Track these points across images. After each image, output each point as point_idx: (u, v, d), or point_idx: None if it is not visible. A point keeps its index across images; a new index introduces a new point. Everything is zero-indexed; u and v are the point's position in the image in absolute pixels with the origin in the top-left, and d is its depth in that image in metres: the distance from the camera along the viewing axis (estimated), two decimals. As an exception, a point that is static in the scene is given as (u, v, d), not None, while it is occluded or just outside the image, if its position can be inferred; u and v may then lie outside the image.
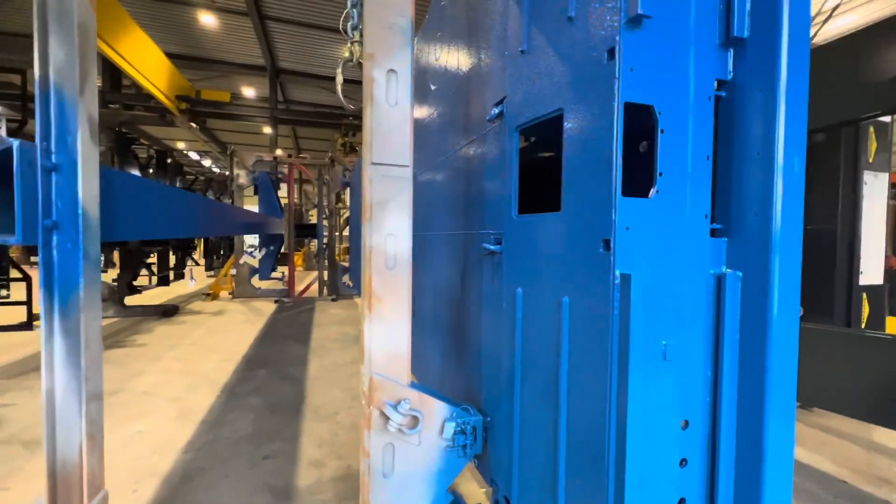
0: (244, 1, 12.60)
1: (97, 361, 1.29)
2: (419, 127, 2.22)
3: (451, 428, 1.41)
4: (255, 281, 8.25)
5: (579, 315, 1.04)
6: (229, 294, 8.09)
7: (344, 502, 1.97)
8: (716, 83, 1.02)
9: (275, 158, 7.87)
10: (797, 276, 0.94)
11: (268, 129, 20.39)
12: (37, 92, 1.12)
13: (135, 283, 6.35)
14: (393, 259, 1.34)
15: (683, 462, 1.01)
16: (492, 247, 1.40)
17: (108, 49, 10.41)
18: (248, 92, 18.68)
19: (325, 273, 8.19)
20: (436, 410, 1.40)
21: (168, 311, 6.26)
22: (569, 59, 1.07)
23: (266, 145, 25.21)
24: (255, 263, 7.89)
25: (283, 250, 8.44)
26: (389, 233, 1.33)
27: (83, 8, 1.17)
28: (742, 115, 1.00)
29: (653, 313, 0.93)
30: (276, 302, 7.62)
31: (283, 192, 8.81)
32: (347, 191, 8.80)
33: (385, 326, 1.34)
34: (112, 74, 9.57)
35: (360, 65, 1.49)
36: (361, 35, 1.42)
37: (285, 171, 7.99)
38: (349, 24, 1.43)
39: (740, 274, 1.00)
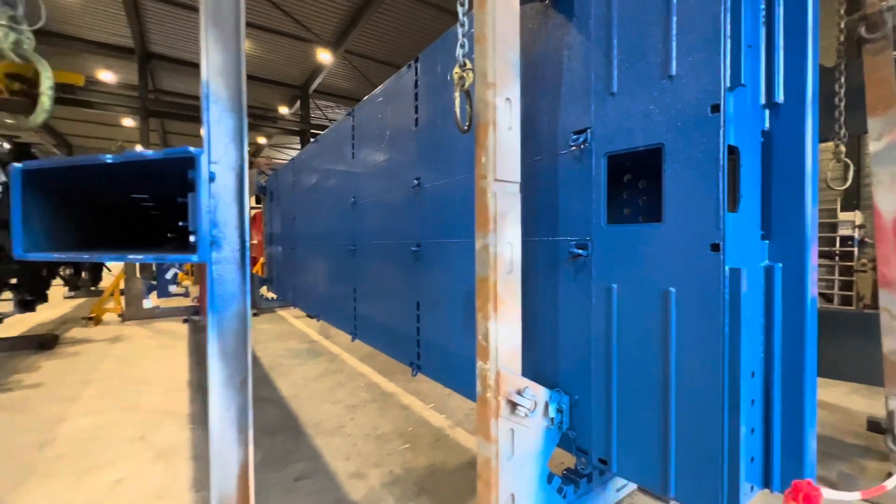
0: (111, -30, 10.72)
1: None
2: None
3: (553, 408, 1.63)
4: (154, 299, 7.09)
5: (687, 301, 1.37)
6: (118, 316, 6.81)
7: (407, 503, 2.02)
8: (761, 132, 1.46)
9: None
10: (815, 267, 1.42)
11: (129, 122, 17.50)
12: (203, 101, 1.04)
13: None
14: (510, 265, 1.53)
15: (752, 402, 1.42)
16: (579, 251, 1.67)
17: None
18: (106, 76, 15.77)
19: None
20: (541, 394, 1.61)
21: (46, 343, 5.07)
22: (669, 107, 1.41)
23: (123, 140, 21.47)
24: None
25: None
26: (508, 241, 1.51)
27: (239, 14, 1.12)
28: (779, 155, 1.46)
29: (747, 295, 1.31)
30: (185, 321, 6.67)
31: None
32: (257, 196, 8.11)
33: (506, 324, 1.51)
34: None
35: (461, 88, 1.62)
36: (471, 62, 1.57)
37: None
38: (461, 52, 1.56)
39: (781, 265, 1.44)
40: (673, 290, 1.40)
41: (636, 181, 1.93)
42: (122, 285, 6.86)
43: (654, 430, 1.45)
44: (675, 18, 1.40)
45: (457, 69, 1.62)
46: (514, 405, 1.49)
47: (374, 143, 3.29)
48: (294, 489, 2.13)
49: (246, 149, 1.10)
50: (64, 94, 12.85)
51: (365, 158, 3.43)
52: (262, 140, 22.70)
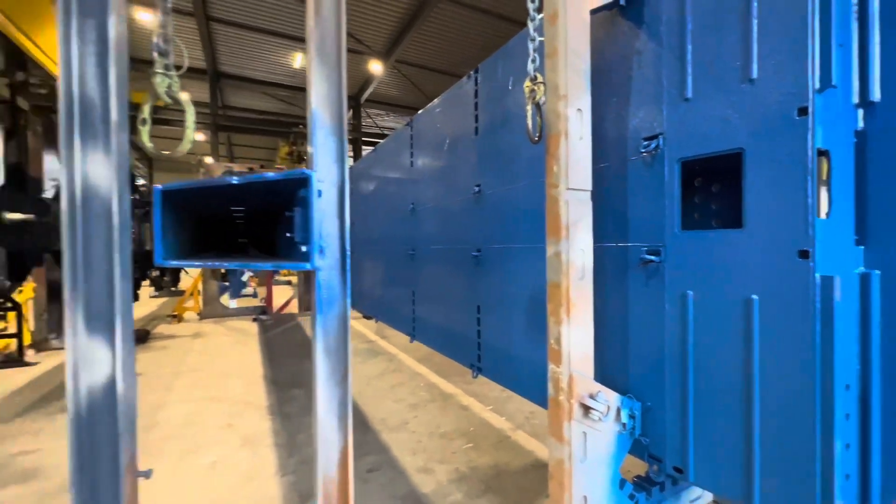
0: (190, 1, 11.82)
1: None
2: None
3: (625, 414, 1.64)
4: (225, 299, 7.72)
5: (773, 309, 1.33)
6: (197, 315, 7.49)
7: (475, 499, 2.10)
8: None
9: (251, 169, 7.48)
10: (917, 272, 1.33)
11: (200, 136, 18.99)
12: (311, 127, 1.18)
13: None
14: (582, 271, 1.56)
15: (847, 416, 1.35)
16: (650, 257, 1.66)
17: (26, 42, 9.23)
18: (182, 96, 17.26)
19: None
20: (613, 399, 1.62)
21: (140, 337, 5.69)
22: (751, 110, 1.38)
23: (200, 154, 23.37)
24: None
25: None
26: (580, 248, 1.55)
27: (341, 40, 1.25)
28: (875, 155, 1.38)
29: (840, 304, 1.25)
30: (254, 320, 7.21)
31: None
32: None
33: (579, 329, 1.54)
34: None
35: (532, 101, 1.69)
36: (542, 75, 1.63)
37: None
38: (532, 66, 1.62)
39: (879, 272, 1.36)
40: (756, 297, 1.37)
41: (708, 185, 1.89)
42: (199, 287, 7.54)
43: (737, 441, 1.42)
44: (755, 21, 1.38)
45: (527, 83, 1.68)
46: (586, 408, 1.52)
47: (432, 151, 3.42)
48: (368, 479, 2.27)
49: (346, 168, 1.23)
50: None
51: (424, 166, 3.57)
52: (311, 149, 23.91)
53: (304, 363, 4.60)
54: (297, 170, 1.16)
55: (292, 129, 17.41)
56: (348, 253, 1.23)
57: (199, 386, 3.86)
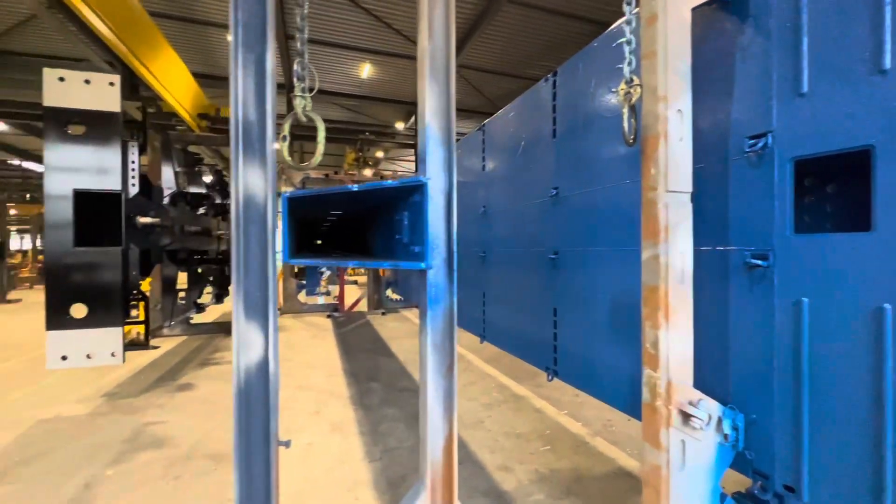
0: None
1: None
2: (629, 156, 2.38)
3: (727, 425, 1.58)
4: (301, 296, 8.31)
5: (910, 319, 1.22)
6: (278, 310, 8.13)
7: (558, 501, 2.10)
8: None
9: (326, 175, 8.01)
10: None
11: (276, 146, 20.32)
12: (422, 137, 1.29)
13: (199, 300, 6.40)
14: (682, 274, 1.52)
15: None
16: (757, 261, 1.58)
17: (142, 69, 10.51)
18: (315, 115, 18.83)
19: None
20: (714, 409, 1.56)
21: (230, 330, 6.30)
22: (882, 105, 1.27)
23: (279, 162, 25.22)
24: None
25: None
26: (680, 251, 1.51)
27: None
28: None
29: None
30: (328, 317, 7.70)
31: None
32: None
33: (678, 334, 1.51)
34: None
35: (628, 103, 1.68)
36: (638, 77, 1.62)
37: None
38: (628, 69, 1.62)
39: None
40: (889, 307, 1.26)
41: (820, 185, 1.76)
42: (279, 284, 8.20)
43: (863, 462, 1.31)
44: (889, 7, 1.27)
45: (622, 85, 1.68)
46: (686, 416, 1.48)
47: (506, 154, 3.46)
48: (449, 472, 2.36)
49: (454, 175, 1.32)
50: (225, 126, 15.87)
51: (496, 170, 3.62)
52: (380, 154, 24.92)
53: (378, 359, 4.84)
54: (414, 178, 1.27)
55: (359, 136, 18.34)
56: (455, 254, 1.32)
57: (288, 375, 4.22)
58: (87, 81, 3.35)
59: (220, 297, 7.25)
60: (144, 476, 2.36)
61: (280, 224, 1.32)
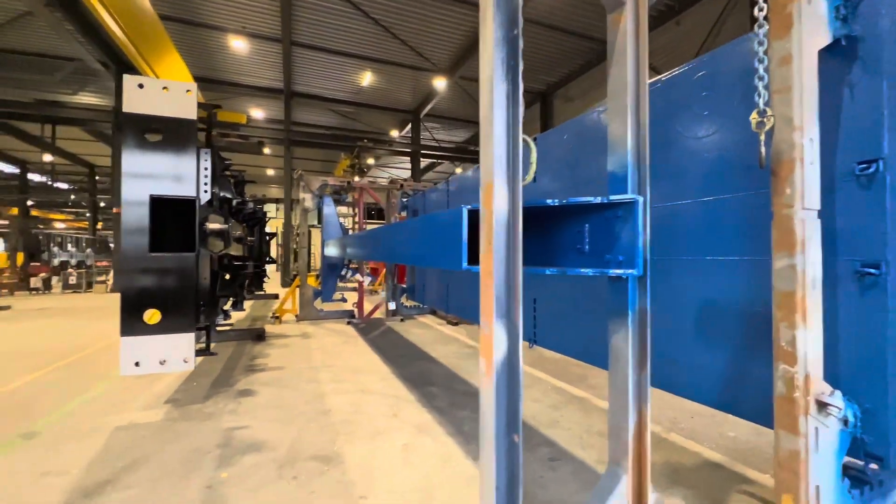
0: (279, 27, 12.87)
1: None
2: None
3: (850, 413, 1.81)
4: (318, 303, 8.29)
5: None
6: (294, 317, 8.10)
7: (668, 489, 2.29)
8: None
9: (349, 182, 8.06)
10: None
11: (267, 150, 20.12)
12: (622, 150, 1.47)
13: (225, 307, 6.32)
14: (813, 281, 1.75)
15: None
16: (871, 270, 1.83)
17: (148, 70, 10.34)
18: (257, 114, 18.65)
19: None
20: (837, 398, 1.79)
21: (259, 336, 6.28)
22: None
23: (261, 165, 24.85)
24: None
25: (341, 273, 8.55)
26: (812, 261, 1.74)
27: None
28: None
29: None
30: (348, 323, 7.71)
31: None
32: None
33: (812, 334, 1.73)
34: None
35: (762, 131, 1.91)
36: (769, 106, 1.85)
37: (354, 195, 8.19)
38: (761, 101, 1.85)
39: None
40: None
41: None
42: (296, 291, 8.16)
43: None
44: None
45: (755, 115, 1.91)
46: (821, 405, 1.70)
47: (558, 169, 3.67)
48: (554, 468, 2.52)
49: (648, 191, 1.50)
50: (231, 130, 15.67)
51: (547, 185, 3.82)
52: (370, 161, 24.96)
53: (421, 364, 4.94)
54: (627, 195, 1.44)
55: (357, 143, 18.32)
56: (648, 261, 1.50)
57: (340, 380, 4.27)
58: (165, 88, 3.38)
59: (239, 304, 7.17)
60: (261, 478, 2.41)
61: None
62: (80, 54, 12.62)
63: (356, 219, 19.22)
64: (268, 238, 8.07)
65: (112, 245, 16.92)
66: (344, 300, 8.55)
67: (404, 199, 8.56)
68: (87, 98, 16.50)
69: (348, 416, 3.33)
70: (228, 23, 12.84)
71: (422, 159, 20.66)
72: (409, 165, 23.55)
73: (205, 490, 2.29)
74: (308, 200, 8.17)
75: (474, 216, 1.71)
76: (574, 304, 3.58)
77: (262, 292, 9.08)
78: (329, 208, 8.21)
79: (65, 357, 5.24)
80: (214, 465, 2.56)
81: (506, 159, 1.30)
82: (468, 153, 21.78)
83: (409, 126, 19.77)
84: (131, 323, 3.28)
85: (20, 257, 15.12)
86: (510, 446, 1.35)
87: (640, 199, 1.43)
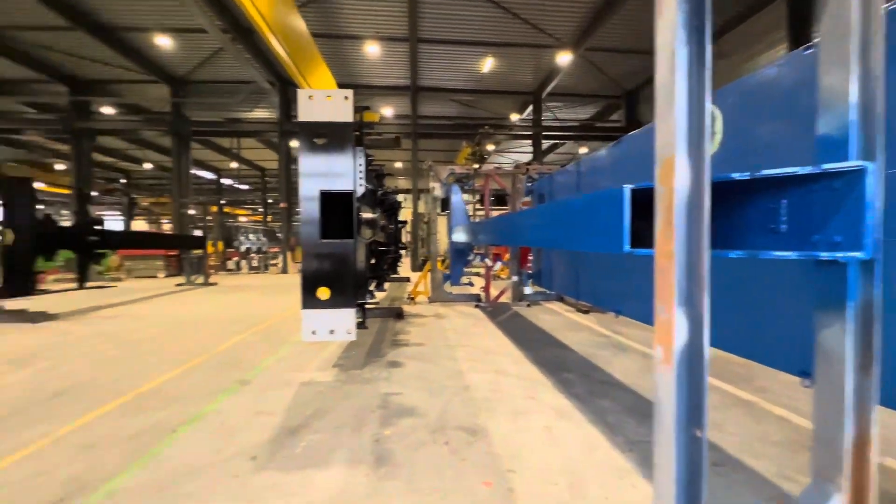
0: (406, 28, 13.72)
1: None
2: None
3: None
4: (446, 286, 8.77)
5: None
6: (427, 298, 8.73)
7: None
8: None
9: (475, 170, 8.31)
10: None
11: (401, 145, 21.53)
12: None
13: (370, 288, 7.14)
14: None
15: None
16: None
17: (304, 83, 11.89)
18: (387, 111, 20.23)
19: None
20: None
21: (399, 314, 6.94)
22: None
23: (423, 160, 26.80)
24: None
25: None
26: None
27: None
28: None
29: None
30: (476, 306, 8.02)
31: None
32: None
33: None
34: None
35: None
36: None
37: (479, 182, 8.40)
38: None
39: None
40: None
41: None
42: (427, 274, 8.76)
43: None
44: None
45: None
46: None
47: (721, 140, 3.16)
48: (720, 473, 2.27)
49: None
50: (369, 129, 17.35)
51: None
52: (491, 147, 25.07)
53: (553, 349, 4.88)
54: (848, 162, 1.20)
55: (477, 130, 18.58)
56: (880, 242, 1.23)
57: (476, 360, 4.48)
58: (329, 97, 3.89)
59: (381, 285, 7.99)
60: (417, 438, 2.70)
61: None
62: (254, 77, 15.26)
63: (477, 205, 19.56)
64: (400, 225, 8.80)
65: (279, 234, 20.36)
66: (471, 284, 8.88)
67: (529, 184, 8.44)
68: (259, 113, 19.96)
69: (487, 393, 3.49)
70: (364, 30, 14.11)
71: (543, 141, 20.00)
72: (529, 149, 23.06)
73: (374, 442, 2.66)
74: (438, 189, 8.63)
75: (639, 195, 1.61)
76: (740, 292, 3.12)
77: (397, 275, 9.99)
78: (457, 196, 8.56)
79: (257, 324, 6.55)
80: (378, 422, 2.95)
81: (689, 131, 1.19)
82: (594, 131, 20.33)
83: (530, 108, 19.26)
84: (309, 298, 3.91)
85: (220, 245, 19.27)
86: (691, 441, 1.26)
87: (870, 165, 1.16)
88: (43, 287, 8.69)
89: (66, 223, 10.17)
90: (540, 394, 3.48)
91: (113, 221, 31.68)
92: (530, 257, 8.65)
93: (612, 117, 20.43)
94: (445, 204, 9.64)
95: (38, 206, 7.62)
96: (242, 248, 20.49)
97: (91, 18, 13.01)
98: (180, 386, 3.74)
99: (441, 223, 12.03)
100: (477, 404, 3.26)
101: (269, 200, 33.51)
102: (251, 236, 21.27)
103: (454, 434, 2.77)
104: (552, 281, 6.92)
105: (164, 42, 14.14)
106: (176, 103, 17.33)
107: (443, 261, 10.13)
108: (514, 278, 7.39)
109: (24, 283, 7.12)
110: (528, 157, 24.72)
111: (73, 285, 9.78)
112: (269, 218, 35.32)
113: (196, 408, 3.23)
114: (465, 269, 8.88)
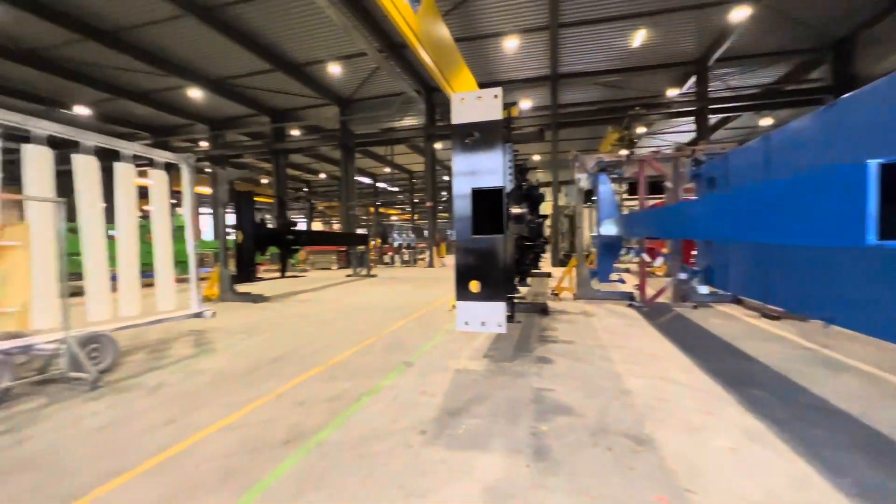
0: (545, 15, 13.35)
1: None
2: None
3: None
4: (595, 283, 8.27)
5: None
6: (572, 295, 8.40)
7: None
8: None
9: (628, 156, 7.65)
10: None
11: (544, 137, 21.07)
12: None
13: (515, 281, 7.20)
14: None
15: None
16: None
17: (448, 88, 12.51)
18: (524, 105, 19.99)
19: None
20: None
21: (544, 310, 6.82)
22: None
23: (567, 151, 26.36)
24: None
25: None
26: None
27: None
28: None
29: None
30: (629, 305, 7.38)
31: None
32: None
33: None
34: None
35: None
36: None
37: (632, 170, 7.68)
38: None
39: None
40: None
41: None
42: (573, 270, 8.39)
43: None
44: None
45: None
46: None
47: None
48: None
49: None
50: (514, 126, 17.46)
51: None
52: (641, 130, 22.56)
53: (733, 360, 4.17)
54: None
55: (626, 113, 16.97)
56: None
57: (634, 363, 4.12)
58: (479, 98, 4.01)
59: (525, 280, 7.98)
60: (576, 439, 2.62)
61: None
62: (403, 88, 16.78)
63: (628, 195, 18.00)
64: (541, 219, 8.61)
65: (426, 232, 22.09)
66: (621, 281, 8.18)
67: (693, 168, 7.33)
68: (408, 121, 21.91)
69: (651, 401, 3.18)
70: (503, 26, 14.19)
71: (710, 116, 17.12)
72: (688, 127, 20.04)
73: (531, 435, 2.68)
74: (584, 180, 8.18)
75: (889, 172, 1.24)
76: None
77: (538, 270, 9.84)
78: (605, 186, 7.97)
79: (413, 313, 7.24)
80: (533, 416, 2.96)
81: None
82: (783, 96, 16.53)
83: (692, 80, 16.67)
84: (462, 291, 4.13)
85: (378, 241, 21.89)
86: None
87: None
88: (259, 275, 11.15)
89: (271, 225, 12.80)
90: (720, 409, 3.01)
91: (299, 223, 38.98)
92: (693, 252, 7.54)
93: (810, 76, 16.30)
94: (590, 195, 9.09)
95: (255, 213, 9.83)
96: (395, 244, 22.88)
97: (284, 59, 16.12)
98: (359, 362, 4.38)
99: (586, 216, 11.41)
100: (640, 411, 3.00)
101: (416, 200, 36.55)
102: (402, 233, 23.60)
103: (617, 440, 2.59)
104: (727, 279, 5.89)
105: (334, 70, 16.65)
106: (343, 120, 20.26)
107: (587, 255, 9.60)
108: (682, 275, 6.50)
109: (249, 273, 9.28)
110: (686, 138, 21.50)
111: (277, 274, 12.34)
112: (415, 216, 38.50)
113: (373, 382, 3.74)
114: (615, 265, 8.23)
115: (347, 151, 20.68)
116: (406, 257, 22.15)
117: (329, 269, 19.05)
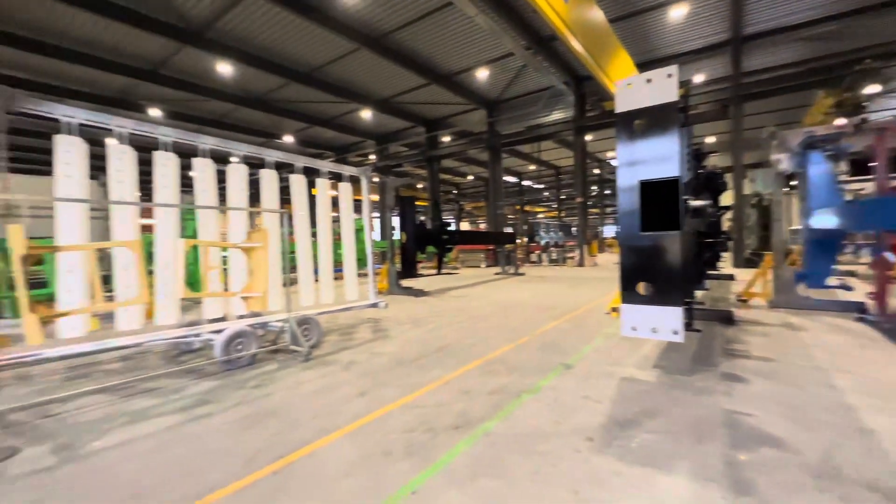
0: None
1: None
2: None
3: None
4: (801, 289, 6.63)
5: None
6: (766, 302, 6.92)
7: None
8: None
9: (858, 125, 5.94)
10: None
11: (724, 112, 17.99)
12: None
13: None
14: None
15: None
16: None
17: (602, 76, 11.61)
18: (697, 78, 17.30)
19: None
20: None
21: (729, 318, 5.78)
22: None
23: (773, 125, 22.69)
24: None
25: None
26: None
27: None
28: None
29: None
30: (858, 319, 5.70)
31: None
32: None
33: None
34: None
35: None
36: None
37: (862, 142, 5.90)
38: None
39: None
40: None
41: None
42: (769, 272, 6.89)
43: None
44: None
45: None
46: None
47: None
48: None
49: None
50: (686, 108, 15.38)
51: None
52: (870, 90, 17.10)
53: None
54: None
55: (849, 70, 13.22)
56: None
57: (876, 395, 3.15)
58: (649, 80, 3.62)
59: (702, 282, 6.89)
60: (791, 478, 2.13)
61: None
62: (551, 82, 16.32)
63: (851, 176, 14.01)
64: (721, 212, 7.29)
65: (574, 229, 21.07)
66: (847, 288, 6.37)
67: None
68: (555, 115, 21.24)
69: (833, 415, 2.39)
70: (663, -3, 12.54)
71: None
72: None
73: (725, 464, 2.30)
74: (785, 161, 6.62)
75: None
76: None
77: (717, 272, 8.37)
78: (818, 166, 6.32)
79: (566, 314, 6.99)
80: (726, 443, 2.53)
81: None
82: None
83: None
84: (629, 293, 3.80)
85: (524, 240, 21.83)
86: None
87: None
88: (419, 272, 12.30)
89: (428, 227, 13.96)
90: None
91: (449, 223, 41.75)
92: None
93: None
94: (790, 180, 7.29)
95: (416, 216, 10.89)
96: (542, 243, 22.46)
97: (436, 72, 17.38)
98: (516, 359, 4.44)
99: (787, 205, 9.31)
100: (893, 459, 2.28)
101: (563, 197, 35.17)
102: (549, 231, 23.01)
103: (857, 492, 2.02)
104: None
105: (482, 75, 17.22)
106: (490, 122, 20.82)
107: (786, 254, 7.79)
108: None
109: (412, 269, 10.33)
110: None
111: (434, 271, 13.42)
112: (562, 213, 37.04)
113: (531, 380, 3.74)
114: (832, 266, 6.45)
115: (494, 152, 21.18)
116: (554, 256, 21.54)
117: (478, 266, 19.83)
